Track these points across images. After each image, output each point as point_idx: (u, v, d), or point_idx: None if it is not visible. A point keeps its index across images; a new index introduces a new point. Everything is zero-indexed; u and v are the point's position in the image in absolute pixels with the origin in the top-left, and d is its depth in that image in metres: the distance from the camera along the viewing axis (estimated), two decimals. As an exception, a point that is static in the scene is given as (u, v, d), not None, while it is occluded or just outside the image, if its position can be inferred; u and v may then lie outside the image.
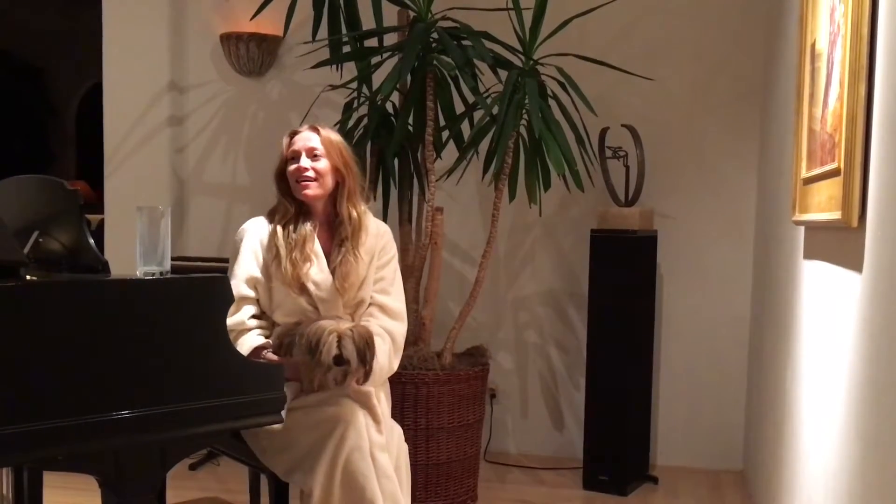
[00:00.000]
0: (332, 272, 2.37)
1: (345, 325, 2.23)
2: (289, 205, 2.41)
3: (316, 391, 2.27)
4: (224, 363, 1.90)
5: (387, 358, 2.39)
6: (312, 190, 2.37)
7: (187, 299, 1.87)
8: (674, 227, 3.85)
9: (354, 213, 2.41)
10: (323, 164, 2.37)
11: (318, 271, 2.36)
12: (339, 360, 2.19)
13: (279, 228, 2.37)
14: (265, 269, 2.38)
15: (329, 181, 2.39)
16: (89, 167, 5.85)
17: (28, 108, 8.94)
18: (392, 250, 2.53)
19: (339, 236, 2.41)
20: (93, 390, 1.69)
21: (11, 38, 8.46)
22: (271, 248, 2.37)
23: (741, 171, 3.81)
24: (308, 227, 2.39)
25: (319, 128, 2.43)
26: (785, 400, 2.55)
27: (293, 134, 2.43)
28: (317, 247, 2.39)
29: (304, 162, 2.36)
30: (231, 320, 2.25)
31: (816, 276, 2.11)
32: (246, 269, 2.38)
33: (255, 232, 2.43)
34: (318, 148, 2.38)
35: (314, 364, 2.20)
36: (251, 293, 2.38)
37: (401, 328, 2.48)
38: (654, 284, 3.74)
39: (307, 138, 2.40)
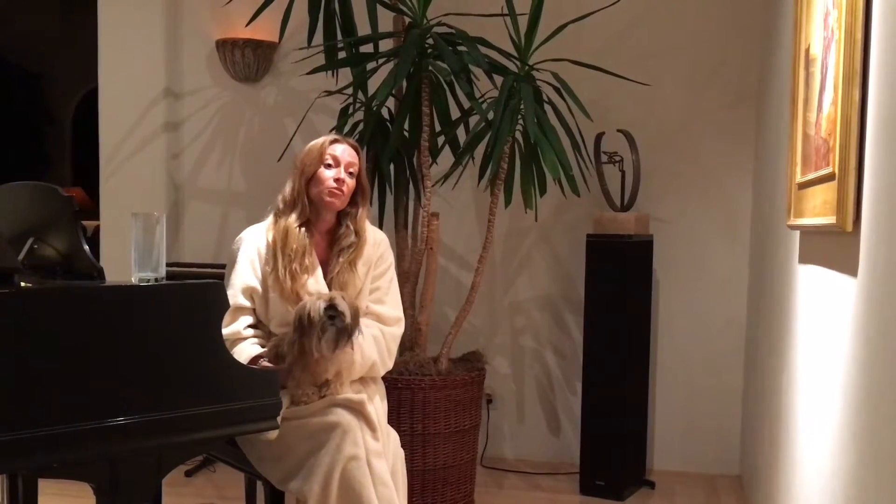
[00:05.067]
0: (329, 284, 2.38)
1: (333, 292, 2.26)
2: (307, 207, 2.41)
3: (300, 401, 2.26)
4: (219, 369, 1.89)
5: (373, 348, 2.39)
6: (339, 202, 2.41)
7: (183, 305, 1.86)
8: (669, 231, 3.86)
9: (363, 231, 2.45)
10: (353, 182, 2.43)
11: (314, 282, 2.36)
12: (332, 313, 2.17)
13: (293, 231, 2.36)
14: (263, 279, 2.37)
15: (348, 198, 2.44)
16: (85, 173, 5.84)
17: (24, 113, 8.93)
18: (389, 258, 2.54)
19: (338, 247, 2.43)
20: (88, 397, 1.69)
21: (8, 43, 8.45)
22: (269, 260, 2.37)
23: (736, 175, 3.82)
24: (307, 237, 2.39)
25: (360, 150, 2.50)
26: (781, 404, 2.55)
27: (334, 141, 2.45)
28: (314, 259, 2.40)
29: (343, 174, 2.40)
30: (227, 330, 2.25)
31: (811, 280, 2.12)
32: (243, 279, 2.37)
33: (253, 241, 2.42)
34: (355, 165, 2.44)
35: (305, 335, 2.17)
36: (247, 304, 2.37)
37: (395, 331, 2.50)
38: (650, 289, 3.75)
39: (349, 153, 2.44)
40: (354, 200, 2.46)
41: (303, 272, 2.34)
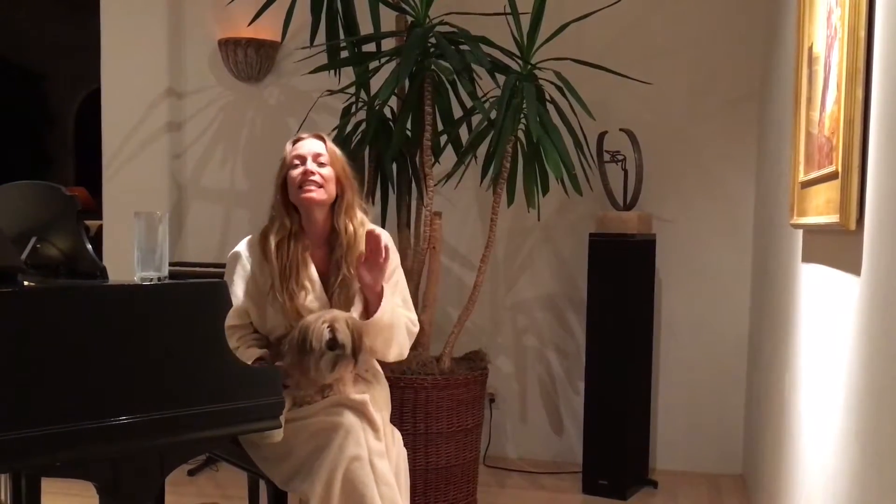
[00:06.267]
0: (330, 297, 2.32)
1: (337, 313, 2.21)
2: (286, 219, 2.32)
3: (303, 402, 2.25)
4: (222, 368, 1.89)
5: (393, 314, 2.32)
6: (317, 194, 2.29)
7: (185, 304, 1.86)
8: (672, 230, 3.85)
9: (350, 228, 2.34)
10: (328, 170, 2.31)
11: (313, 299, 2.30)
12: (333, 344, 2.15)
13: (273, 250, 2.29)
14: (258, 295, 2.33)
15: (332, 189, 2.33)
16: (88, 173, 5.85)
17: (27, 114, 8.95)
18: (394, 260, 2.43)
19: (336, 254, 2.34)
20: (91, 396, 1.69)
21: (10, 44, 8.46)
22: (265, 277, 2.31)
23: (739, 174, 3.81)
24: (301, 249, 2.32)
25: (325, 137, 2.39)
26: (784, 403, 2.55)
27: (297, 140, 2.37)
28: (311, 271, 2.32)
29: (311, 165, 2.30)
30: None
31: (815, 279, 2.11)
32: (237, 299, 2.32)
33: (247, 256, 2.36)
34: (323, 154, 2.33)
35: (305, 355, 2.15)
36: (241, 322, 2.34)
37: (412, 328, 2.43)
38: (653, 288, 3.74)
39: (313, 145, 2.34)
40: (337, 192, 2.34)
41: (300, 290, 2.28)
